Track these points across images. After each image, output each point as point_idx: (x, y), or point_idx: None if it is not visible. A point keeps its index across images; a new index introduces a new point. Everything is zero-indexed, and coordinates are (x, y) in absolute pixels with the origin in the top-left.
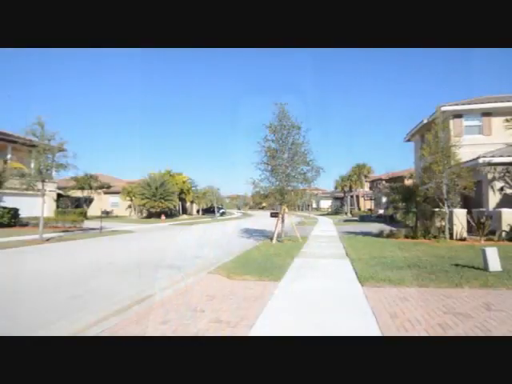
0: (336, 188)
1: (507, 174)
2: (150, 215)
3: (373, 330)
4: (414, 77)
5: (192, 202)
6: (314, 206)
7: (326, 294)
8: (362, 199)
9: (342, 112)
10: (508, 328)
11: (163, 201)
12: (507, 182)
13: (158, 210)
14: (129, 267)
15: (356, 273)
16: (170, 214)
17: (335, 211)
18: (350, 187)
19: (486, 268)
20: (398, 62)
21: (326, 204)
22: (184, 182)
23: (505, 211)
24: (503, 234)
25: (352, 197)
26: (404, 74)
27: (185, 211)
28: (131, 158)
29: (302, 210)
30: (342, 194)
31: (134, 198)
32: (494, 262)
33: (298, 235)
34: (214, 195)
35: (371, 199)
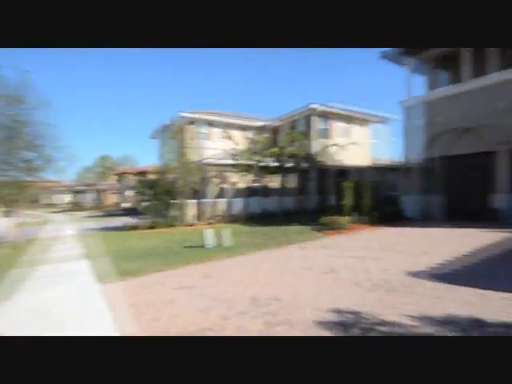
0: (79, 180)
1: (221, 173)
2: None
3: (110, 327)
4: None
5: None
6: (49, 201)
7: (57, 305)
8: (107, 193)
9: (94, 103)
10: (214, 289)
11: None
12: (221, 179)
13: None
14: None
15: (95, 272)
16: None
17: (76, 207)
18: (95, 180)
19: (204, 245)
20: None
21: (64, 199)
22: None
23: (219, 201)
24: (218, 218)
25: (96, 190)
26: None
27: None
28: None
29: (32, 207)
30: (84, 187)
31: None
32: (209, 240)
33: (22, 239)
34: None
35: (118, 193)
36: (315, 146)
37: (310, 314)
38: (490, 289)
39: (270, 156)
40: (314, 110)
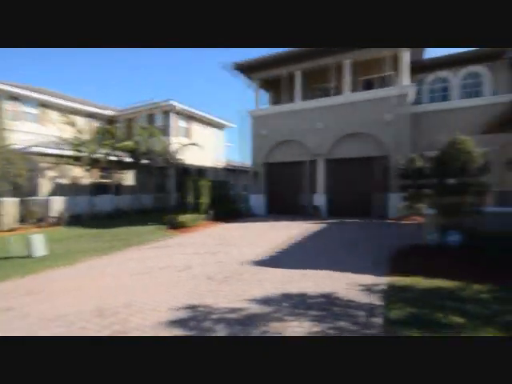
0: None
1: (58, 165)
2: None
3: None
4: None
5: None
6: None
7: None
8: None
9: None
10: (42, 307)
11: None
12: (59, 173)
13: None
14: None
15: None
16: None
17: None
18: None
19: (31, 255)
20: None
21: None
22: None
23: (54, 199)
24: (53, 219)
25: None
26: None
27: None
28: None
29: None
30: None
31: None
32: (39, 248)
33: None
34: None
35: None
36: (174, 143)
37: (165, 315)
38: (311, 269)
39: (123, 150)
40: (174, 106)
